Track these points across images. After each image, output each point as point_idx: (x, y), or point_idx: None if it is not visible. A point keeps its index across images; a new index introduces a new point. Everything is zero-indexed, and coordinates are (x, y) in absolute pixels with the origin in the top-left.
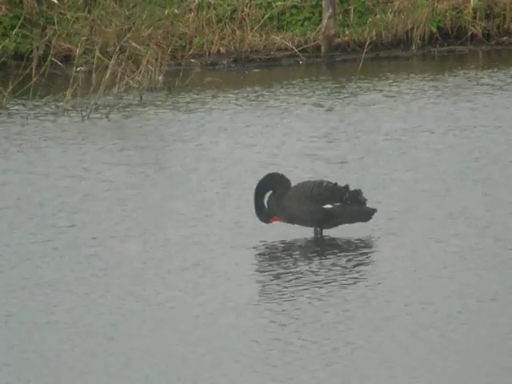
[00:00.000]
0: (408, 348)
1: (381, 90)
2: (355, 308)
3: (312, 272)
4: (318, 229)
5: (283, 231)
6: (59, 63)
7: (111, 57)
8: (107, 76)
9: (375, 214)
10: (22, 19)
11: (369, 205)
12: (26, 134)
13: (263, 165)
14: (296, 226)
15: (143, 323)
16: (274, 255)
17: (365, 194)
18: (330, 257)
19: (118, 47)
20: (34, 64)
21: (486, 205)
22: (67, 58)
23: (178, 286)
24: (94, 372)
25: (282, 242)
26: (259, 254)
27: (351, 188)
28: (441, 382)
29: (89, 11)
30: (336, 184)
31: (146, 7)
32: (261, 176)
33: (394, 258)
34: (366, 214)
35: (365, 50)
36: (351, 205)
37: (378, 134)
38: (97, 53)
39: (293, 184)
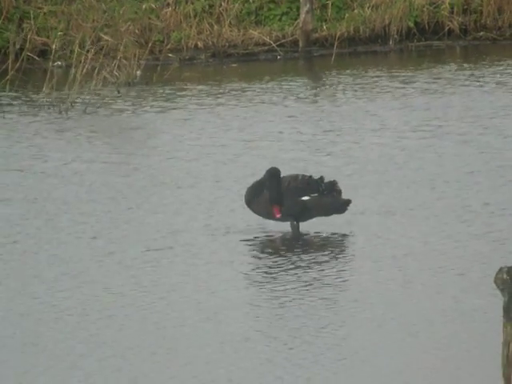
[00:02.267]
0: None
1: (359, 85)
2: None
3: (295, 267)
4: (295, 223)
5: (258, 226)
6: (36, 58)
7: (88, 51)
8: (84, 70)
9: (350, 206)
10: None
11: (344, 197)
12: (3, 129)
13: (241, 159)
14: (272, 221)
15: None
16: (255, 250)
17: (340, 185)
18: (310, 252)
19: (95, 42)
20: (10, 59)
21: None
22: (44, 53)
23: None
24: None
25: (260, 237)
26: (241, 251)
27: (326, 180)
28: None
29: (66, 6)
30: (311, 176)
31: (123, 2)
32: (236, 170)
33: (374, 254)
34: (342, 206)
35: (335, 44)
36: (327, 195)
37: (357, 129)
38: (76, 48)
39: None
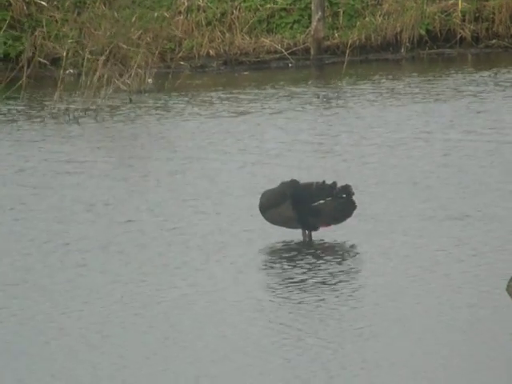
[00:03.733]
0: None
1: (370, 93)
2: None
3: (306, 275)
4: (307, 232)
5: (270, 235)
6: (48, 65)
7: (100, 59)
8: (96, 78)
9: (361, 216)
10: (11, 21)
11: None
12: (16, 136)
13: (253, 167)
14: (283, 229)
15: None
16: (268, 260)
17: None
18: (321, 259)
19: (107, 50)
20: (25, 67)
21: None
22: (56, 61)
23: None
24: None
25: (273, 246)
26: (251, 260)
27: (339, 185)
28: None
29: (78, 14)
30: (324, 182)
31: (135, 10)
32: (249, 179)
33: (383, 259)
34: (348, 208)
35: (347, 52)
36: (341, 198)
37: (367, 137)
38: (86, 55)
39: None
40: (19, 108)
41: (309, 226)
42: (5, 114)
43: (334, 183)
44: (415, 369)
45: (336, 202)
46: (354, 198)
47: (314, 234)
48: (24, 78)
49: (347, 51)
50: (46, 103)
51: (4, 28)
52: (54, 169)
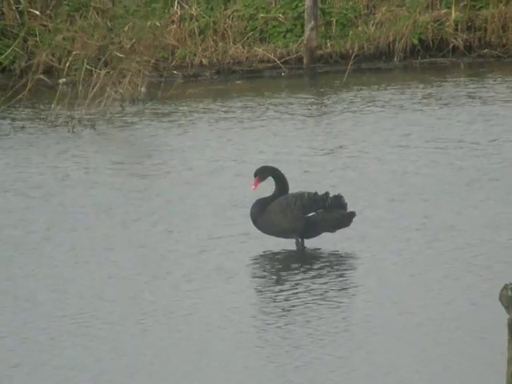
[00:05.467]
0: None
1: (363, 101)
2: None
3: (301, 284)
4: (300, 239)
5: (263, 244)
6: (42, 77)
7: (93, 69)
8: (90, 88)
9: (353, 224)
10: (3, 30)
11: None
12: (12, 145)
13: (246, 175)
14: (275, 237)
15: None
16: (261, 268)
17: (345, 200)
18: (314, 268)
19: (101, 60)
20: (28, 77)
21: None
22: (49, 70)
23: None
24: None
25: (265, 255)
26: (246, 270)
27: (331, 195)
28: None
29: (71, 23)
30: (316, 193)
31: (128, 19)
32: (240, 187)
33: (379, 266)
34: (347, 219)
35: (350, 63)
36: (333, 210)
37: (361, 145)
38: (84, 65)
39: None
40: (16, 117)
41: (303, 235)
42: (1, 124)
43: (326, 194)
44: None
45: (332, 214)
46: (347, 207)
47: (306, 241)
48: (19, 89)
49: (340, 60)
50: (42, 112)
51: None
52: (51, 178)
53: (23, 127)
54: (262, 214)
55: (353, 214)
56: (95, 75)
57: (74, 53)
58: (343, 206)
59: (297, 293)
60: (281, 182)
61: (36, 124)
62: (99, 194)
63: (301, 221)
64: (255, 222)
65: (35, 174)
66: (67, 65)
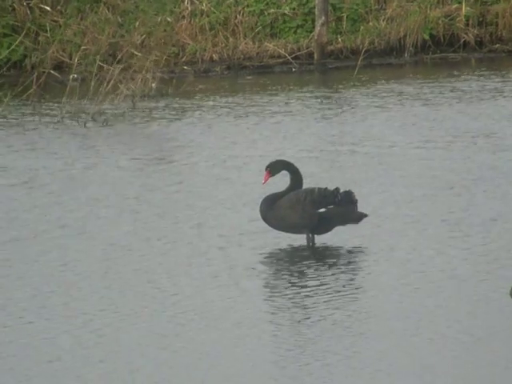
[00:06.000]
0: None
1: (374, 97)
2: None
3: (310, 280)
4: (310, 235)
5: (274, 239)
6: (52, 72)
7: (104, 64)
8: (101, 83)
9: (365, 220)
10: (14, 26)
11: (360, 210)
12: (27, 142)
13: (255, 170)
14: (288, 234)
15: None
16: (271, 264)
17: (355, 196)
18: (325, 265)
19: (111, 55)
20: (35, 74)
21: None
22: (60, 66)
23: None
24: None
25: (275, 251)
26: (256, 265)
27: (341, 190)
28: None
29: (82, 18)
30: (326, 188)
31: (138, 15)
32: (252, 183)
33: (386, 266)
34: (357, 216)
35: (360, 58)
36: (344, 205)
37: (372, 142)
38: (92, 60)
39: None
40: (27, 112)
41: (314, 231)
42: (13, 119)
43: (337, 189)
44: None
45: (342, 209)
46: (357, 204)
47: (317, 237)
48: (31, 84)
49: (351, 56)
50: (53, 108)
51: (8, 33)
52: (65, 173)
53: (35, 121)
54: (272, 209)
55: (363, 215)
56: (107, 71)
57: (83, 48)
58: (353, 201)
59: (312, 290)
60: (295, 176)
61: (46, 119)
62: (122, 188)
63: (311, 216)
64: (265, 219)
65: (45, 166)
66: (77, 60)
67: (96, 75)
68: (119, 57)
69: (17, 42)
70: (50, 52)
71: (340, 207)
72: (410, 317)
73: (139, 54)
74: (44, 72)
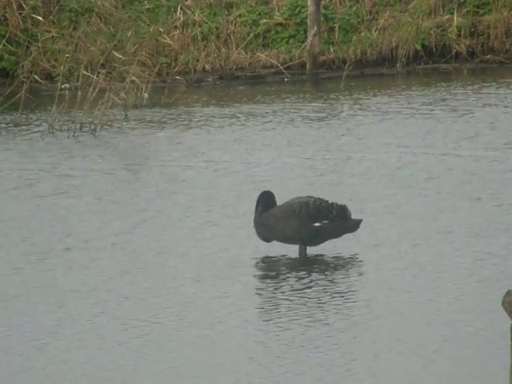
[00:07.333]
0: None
1: (365, 107)
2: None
3: (301, 290)
4: (303, 246)
5: (264, 249)
6: (41, 81)
7: (96, 74)
8: (93, 93)
9: (360, 225)
10: (7, 35)
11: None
12: (15, 150)
13: (249, 181)
14: (276, 244)
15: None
16: (262, 275)
17: (350, 209)
18: (319, 275)
19: (102, 64)
20: (25, 83)
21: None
22: (51, 76)
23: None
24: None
25: (267, 260)
26: (247, 275)
27: (335, 205)
28: None
29: (74, 28)
30: (321, 201)
31: (130, 25)
32: (243, 193)
33: (379, 273)
34: (353, 226)
35: (346, 67)
36: (338, 221)
37: (363, 152)
38: (82, 70)
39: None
40: (17, 122)
41: (307, 243)
42: (3, 129)
43: (332, 205)
44: None
45: (337, 224)
46: (351, 217)
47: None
48: (21, 94)
49: (343, 66)
50: (44, 118)
51: (2, 42)
52: (52, 182)
53: (25, 131)
54: (261, 223)
55: (359, 221)
56: (95, 80)
57: (72, 57)
58: (347, 216)
59: (304, 295)
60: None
61: (37, 129)
62: (110, 196)
63: (306, 230)
64: (259, 234)
65: (35, 175)
66: (65, 69)
67: (87, 85)
68: (111, 66)
69: (8, 52)
70: (39, 61)
71: (334, 222)
72: (406, 322)
73: (129, 63)
74: (36, 81)
